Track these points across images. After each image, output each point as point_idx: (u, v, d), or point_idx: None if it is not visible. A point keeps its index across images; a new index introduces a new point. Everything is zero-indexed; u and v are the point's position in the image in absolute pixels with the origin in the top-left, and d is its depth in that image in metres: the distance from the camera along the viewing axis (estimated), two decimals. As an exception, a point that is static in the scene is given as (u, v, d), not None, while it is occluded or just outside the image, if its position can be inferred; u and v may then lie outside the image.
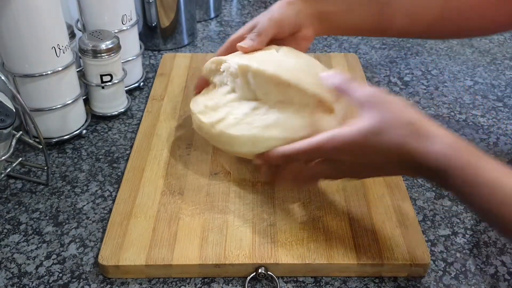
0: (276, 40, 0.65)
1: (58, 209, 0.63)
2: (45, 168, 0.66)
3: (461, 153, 0.44)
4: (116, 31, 0.77)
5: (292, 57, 0.61)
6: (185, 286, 0.54)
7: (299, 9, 0.65)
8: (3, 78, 0.59)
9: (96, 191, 0.65)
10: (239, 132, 0.55)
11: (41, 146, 0.64)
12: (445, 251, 0.58)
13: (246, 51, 0.62)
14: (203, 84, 0.67)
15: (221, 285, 0.54)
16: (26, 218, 0.61)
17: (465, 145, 0.45)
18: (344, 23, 0.68)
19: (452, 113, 0.80)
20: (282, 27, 0.64)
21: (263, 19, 0.64)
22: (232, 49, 0.65)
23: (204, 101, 0.62)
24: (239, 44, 0.62)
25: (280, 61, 0.59)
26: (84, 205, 0.63)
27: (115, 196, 0.63)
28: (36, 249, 0.58)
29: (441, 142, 0.45)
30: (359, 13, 0.67)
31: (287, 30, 0.65)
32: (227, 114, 0.57)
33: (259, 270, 0.53)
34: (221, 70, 0.61)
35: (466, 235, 0.60)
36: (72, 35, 0.77)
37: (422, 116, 0.47)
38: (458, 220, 0.62)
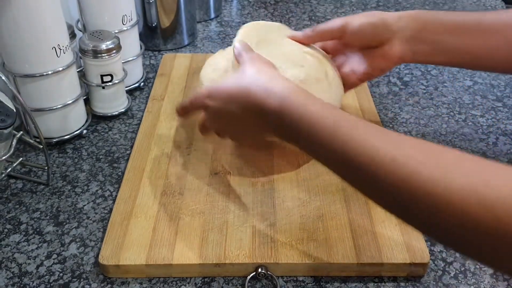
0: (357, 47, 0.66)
1: (59, 209, 0.63)
2: (46, 168, 0.66)
3: (295, 93, 0.48)
4: (116, 31, 0.77)
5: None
6: (185, 285, 0.54)
7: (387, 22, 0.63)
8: (3, 78, 0.59)
9: (97, 191, 0.65)
10: None
11: (42, 146, 0.64)
12: (445, 250, 0.58)
13: (294, 40, 0.67)
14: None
15: (221, 284, 0.54)
16: (27, 218, 0.62)
17: (301, 89, 0.49)
18: (449, 46, 0.62)
19: (452, 113, 0.80)
20: (350, 28, 0.63)
21: (340, 20, 0.64)
22: (317, 39, 0.67)
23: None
24: (289, 34, 0.68)
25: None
26: (85, 205, 0.63)
27: (116, 196, 0.63)
28: (36, 248, 0.58)
29: (281, 85, 0.50)
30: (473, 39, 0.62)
31: (358, 35, 0.64)
32: None
33: (259, 270, 0.53)
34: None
35: (466, 235, 0.60)
36: (72, 35, 0.77)
37: (277, 74, 0.53)
38: (458, 220, 0.62)
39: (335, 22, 0.65)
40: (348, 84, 0.68)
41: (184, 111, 0.61)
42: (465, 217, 0.35)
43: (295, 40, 0.67)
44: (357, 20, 0.64)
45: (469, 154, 0.39)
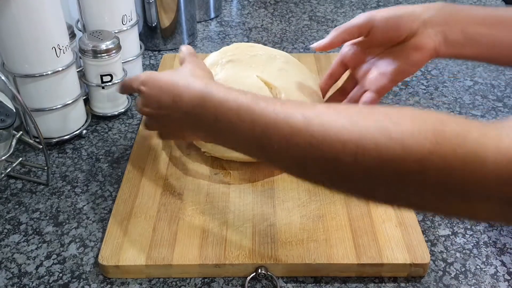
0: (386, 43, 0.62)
1: (58, 209, 0.63)
2: (45, 168, 0.66)
3: (215, 83, 0.50)
4: (116, 31, 0.77)
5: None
6: (185, 286, 0.54)
7: (416, 12, 0.60)
8: (3, 78, 0.59)
9: (96, 191, 0.65)
10: None
11: (41, 146, 0.64)
12: (445, 251, 0.58)
13: (319, 49, 0.64)
14: None
15: (221, 285, 0.54)
16: (26, 218, 0.61)
17: (217, 84, 0.51)
18: (481, 37, 0.59)
19: (452, 113, 0.80)
20: (376, 21, 0.60)
21: (364, 15, 0.61)
22: (345, 38, 0.64)
23: None
24: (313, 45, 0.65)
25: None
26: (84, 205, 0.63)
27: (115, 196, 0.63)
28: (36, 249, 0.58)
29: (204, 81, 0.51)
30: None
31: (385, 29, 0.60)
32: None
33: (259, 270, 0.53)
34: None
35: (466, 235, 0.60)
36: (72, 35, 0.77)
37: (203, 68, 0.56)
38: (458, 220, 0.62)
39: (359, 18, 0.61)
40: (379, 89, 0.62)
41: (122, 89, 0.61)
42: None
43: (321, 49, 0.63)
44: (383, 13, 0.60)
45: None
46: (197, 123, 0.50)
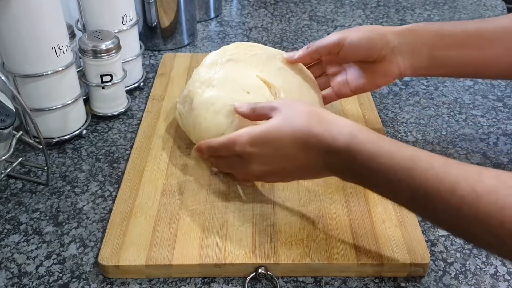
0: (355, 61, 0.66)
1: (58, 209, 0.63)
2: (45, 168, 0.66)
3: (361, 131, 0.48)
4: (116, 31, 0.77)
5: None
6: (185, 286, 0.54)
7: (386, 38, 0.62)
8: (3, 78, 0.59)
9: (96, 191, 0.65)
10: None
11: (41, 146, 0.64)
12: (445, 251, 0.58)
13: (290, 62, 0.67)
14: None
15: (221, 285, 0.54)
16: (26, 218, 0.61)
17: (363, 127, 0.50)
18: (448, 60, 0.63)
19: (452, 113, 0.80)
20: (346, 44, 0.63)
21: (337, 35, 0.64)
22: (314, 56, 0.68)
23: None
24: (285, 55, 0.68)
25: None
26: (84, 205, 0.63)
27: (115, 196, 0.63)
28: (36, 249, 0.58)
29: (342, 124, 0.50)
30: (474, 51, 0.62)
31: (355, 51, 0.64)
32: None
33: (259, 270, 0.53)
34: None
35: (466, 235, 0.60)
36: (72, 35, 0.77)
37: (322, 109, 0.53)
38: (458, 220, 0.62)
39: (332, 38, 0.64)
40: (339, 94, 0.69)
41: (209, 152, 0.58)
42: None
43: (291, 62, 0.67)
44: (355, 35, 0.63)
45: None
46: (340, 169, 0.50)
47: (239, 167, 0.57)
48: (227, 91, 0.63)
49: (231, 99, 0.62)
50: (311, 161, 0.51)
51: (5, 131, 0.58)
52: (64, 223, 0.61)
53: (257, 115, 0.57)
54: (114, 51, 0.73)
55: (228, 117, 0.61)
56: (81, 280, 0.54)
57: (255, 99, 0.61)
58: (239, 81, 0.64)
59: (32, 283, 0.54)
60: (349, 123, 0.50)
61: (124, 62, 0.80)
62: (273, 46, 0.89)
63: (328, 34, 1.03)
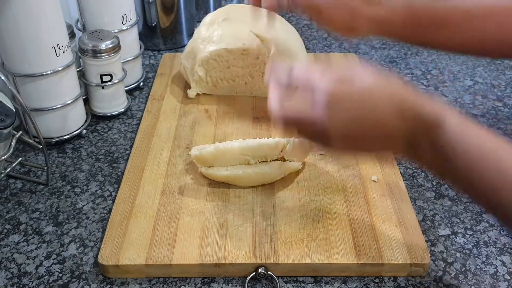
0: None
1: (58, 209, 0.63)
2: (45, 168, 0.66)
3: (455, 112, 0.45)
4: (116, 31, 0.77)
5: None
6: (185, 286, 0.54)
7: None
8: (3, 78, 0.59)
9: (96, 191, 0.65)
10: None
11: (41, 146, 0.64)
12: (445, 251, 0.58)
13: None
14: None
15: (221, 285, 0.54)
16: (26, 218, 0.61)
17: (455, 110, 0.46)
18: (433, 40, 0.62)
19: (452, 113, 0.80)
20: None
21: None
22: None
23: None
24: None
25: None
26: (84, 205, 0.63)
27: (115, 196, 0.63)
28: (36, 249, 0.57)
29: (437, 101, 0.45)
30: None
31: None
32: None
33: (259, 270, 0.53)
34: None
35: (466, 235, 0.60)
36: (72, 35, 0.77)
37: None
38: (458, 220, 0.62)
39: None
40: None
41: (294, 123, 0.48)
42: None
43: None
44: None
45: None
46: (418, 150, 0.45)
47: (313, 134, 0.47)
48: (225, 44, 0.75)
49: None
50: (394, 124, 0.44)
51: (5, 131, 0.58)
52: (64, 223, 0.61)
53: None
54: (114, 51, 0.73)
55: None
56: (81, 280, 0.54)
57: (250, 49, 0.75)
58: (235, 36, 0.75)
59: (32, 283, 0.54)
60: (441, 102, 0.46)
61: (124, 62, 0.80)
62: (273, 46, 0.89)
63: (328, 34, 1.04)
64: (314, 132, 0.47)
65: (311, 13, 0.63)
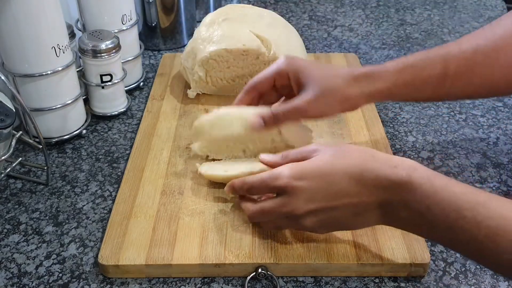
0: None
1: (58, 209, 0.63)
2: (45, 168, 0.66)
3: (420, 170, 0.45)
4: (116, 31, 0.77)
5: None
6: (185, 286, 0.54)
7: (359, 104, 0.59)
8: (3, 78, 0.59)
9: (96, 191, 0.65)
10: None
11: (41, 146, 0.64)
12: (445, 251, 0.58)
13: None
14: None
15: (221, 285, 0.54)
16: (26, 218, 0.61)
17: (422, 166, 0.46)
18: (399, 96, 0.60)
19: (452, 113, 0.80)
20: (316, 119, 0.63)
21: (296, 106, 0.57)
22: (253, 94, 0.63)
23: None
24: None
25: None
26: (84, 205, 0.63)
27: (115, 196, 0.63)
28: (36, 249, 0.57)
29: (400, 158, 0.47)
30: (418, 87, 0.58)
31: (324, 119, 0.63)
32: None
33: (259, 270, 0.53)
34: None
35: (466, 235, 0.60)
36: (72, 35, 0.77)
37: (373, 149, 0.50)
38: (458, 220, 0.61)
39: (302, 115, 0.59)
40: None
41: (243, 189, 0.53)
42: None
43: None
44: (332, 112, 0.59)
45: None
46: (395, 208, 0.46)
47: (286, 221, 0.51)
48: (225, 45, 0.74)
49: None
50: (364, 200, 0.47)
51: (5, 131, 0.58)
52: (64, 223, 0.61)
53: (291, 160, 0.52)
54: (114, 51, 0.73)
55: None
56: (81, 280, 0.54)
57: (249, 49, 0.74)
58: (235, 36, 0.75)
59: (32, 283, 0.54)
60: (406, 158, 0.47)
61: (124, 62, 0.80)
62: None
63: (328, 34, 1.04)
64: (284, 216, 0.51)
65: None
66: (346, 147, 0.50)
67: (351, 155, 0.48)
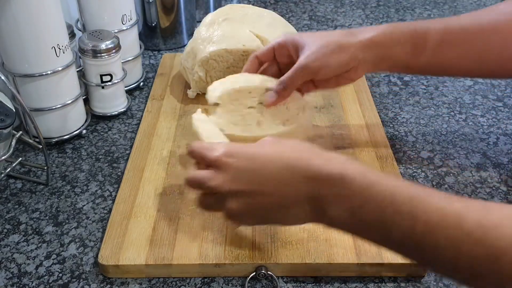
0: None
1: (58, 209, 0.63)
2: (45, 168, 0.66)
3: (355, 165, 0.44)
4: (116, 31, 0.77)
5: None
6: (185, 286, 0.54)
7: (354, 54, 0.60)
8: (3, 78, 0.59)
9: (96, 191, 0.65)
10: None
11: (41, 146, 0.64)
12: (445, 251, 0.58)
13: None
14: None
15: (221, 285, 0.54)
16: (26, 218, 0.61)
17: (358, 162, 0.47)
18: (405, 63, 0.62)
19: (452, 113, 0.80)
20: (319, 74, 0.61)
21: (298, 65, 0.60)
22: (259, 64, 0.66)
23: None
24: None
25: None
26: (84, 205, 0.63)
27: (115, 196, 0.63)
28: (36, 249, 0.57)
29: (335, 155, 0.46)
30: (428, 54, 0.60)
31: (326, 75, 0.62)
32: None
33: (259, 270, 0.53)
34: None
35: (466, 235, 0.60)
36: (72, 35, 0.77)
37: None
38: (458, 220, 0.61)
39: (305, 72, 0.61)
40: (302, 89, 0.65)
41: (189, 152, 0.52)
42: None
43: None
44: (331, 63, 0.60)
45: None
46: (326, 201, 0.44)
47: (213, 200, 0.50)
48: (225, 45, 0.75)
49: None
50: (292, 191, 0.45)
51: (5, 131, 0.58)
52: (64, 223, 0.61)
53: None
54: (114, 51, 0.73)
55: None
56: (81, 280, 0.54)
57: (249, 50, 0.74)
58: (235, 36, 0.76)
59: (32, 283, 0.54)
60: (341, 157, 0.46)
61: (124, 62, 0.80)
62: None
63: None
64: (212, 193, 0.49)
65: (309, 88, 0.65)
66: (288, 140, 0.49)
67: (288, 145, 0.48)
